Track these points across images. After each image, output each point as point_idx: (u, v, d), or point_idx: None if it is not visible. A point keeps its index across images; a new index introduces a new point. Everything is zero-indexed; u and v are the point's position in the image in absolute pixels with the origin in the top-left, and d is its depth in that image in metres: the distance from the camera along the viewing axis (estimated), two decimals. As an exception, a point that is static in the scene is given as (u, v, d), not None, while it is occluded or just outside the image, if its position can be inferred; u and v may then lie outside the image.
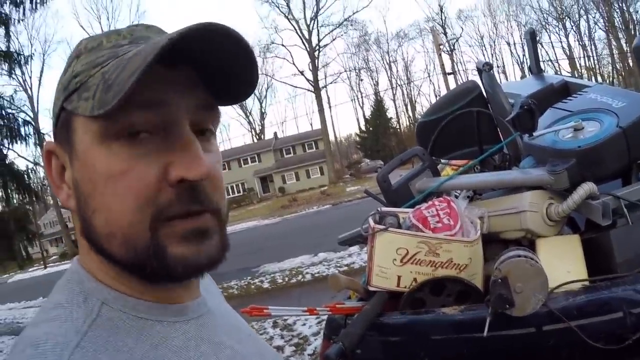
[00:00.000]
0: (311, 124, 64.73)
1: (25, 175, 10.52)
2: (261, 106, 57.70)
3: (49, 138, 0.55)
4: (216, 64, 0.51)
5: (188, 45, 0.46)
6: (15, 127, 10.35)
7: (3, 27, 9.84)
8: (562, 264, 1.27)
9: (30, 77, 37.23)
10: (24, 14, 10.24)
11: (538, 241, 1.40)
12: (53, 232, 46.34)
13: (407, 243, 1.37)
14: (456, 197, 1.89)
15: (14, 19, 10.21)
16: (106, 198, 0.49)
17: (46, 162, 0.55)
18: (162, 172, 0.48)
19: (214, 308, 0.64)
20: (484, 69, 1.96)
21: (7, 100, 9.98)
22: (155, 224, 0.48)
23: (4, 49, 10.12)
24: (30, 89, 37.58)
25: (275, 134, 53.33)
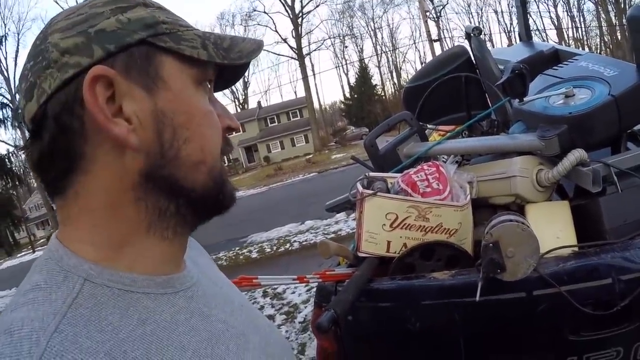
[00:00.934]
0: (295, 92, 64.36)
1: (7, 160, 10.30)
2: (244, 75, 56.92)
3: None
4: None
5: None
6: None
7: None
8: (551, 229, 1.28)
9: (6, 58, 36.22)
10: None
11: (527, 206, 1.41)
12: (39, 215, 45.62)
13: (397, 208, 1.36)
14: (444, 162, 1.88)
15: None
16: (204, 129, 0.55)
17: (90, 91, 0.48)
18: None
19: (203, 279, 0.63)
20: (474, 34, 1.93)
21: None
22: (222, 159, 0.59)
23: None
24: (7, 70, 36.46)
25: (259, 102, 52.78)
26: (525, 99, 1.50)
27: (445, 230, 1.36)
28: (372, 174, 1.69)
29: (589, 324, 1.11)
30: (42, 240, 37.88)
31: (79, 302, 0.46)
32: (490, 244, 1.11)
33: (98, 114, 0.48)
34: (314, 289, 1.57)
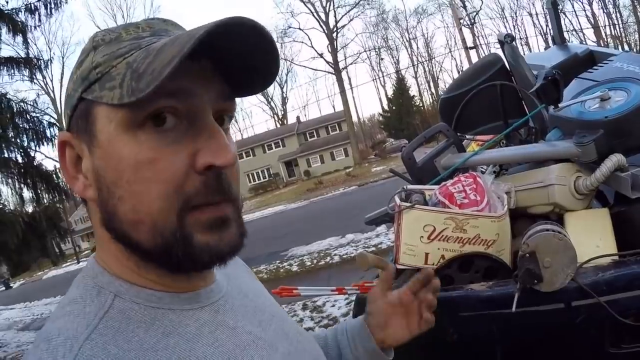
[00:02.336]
0: (333, 106, 64.50)
1: (54, 175, 10.81)
2: (282, 91, 57.73)
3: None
4: (236, 57, 0.52)
5: (213, 38, 0.47)
6: (41, 129, 10.62)
7: (20, 35, 10.06)
8: (591, 238, 1.25)
9: (52, 80, 38.29)
10: (39, 20, 10.44)
11: (566, 215, 1.38)
12: (84, 227, 47.42)
13: (434, 220, 1.36)
14: (482, 172, 1.87)
15: (30, 26, 10.43)
16: (134, 186, 0.50)
17: (60, 153, 0.55)
18: (190, 160, 0.50)
19: (233, 291, 0.65)
20: (506, 41, 1.91)
21: (30, 104, 10.26)
22: (182, 212, 0.50)
23: (23, 55, 10.38)
24: (52, 91, 38.62)
25: (297, 118, 53.34)
26: (560, 104, 1.48)
27: (483, 241, 1.35)
28: (410, 186, 1.70)
29: (630, 336, 1.08)
30: (86, 252, 39.35)
31: (110, 315, 0.51)
32: (527, 254, 1.10)
33: (64, 173, 0.55)
34: (353, 302, 1.58)
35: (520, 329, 1.18)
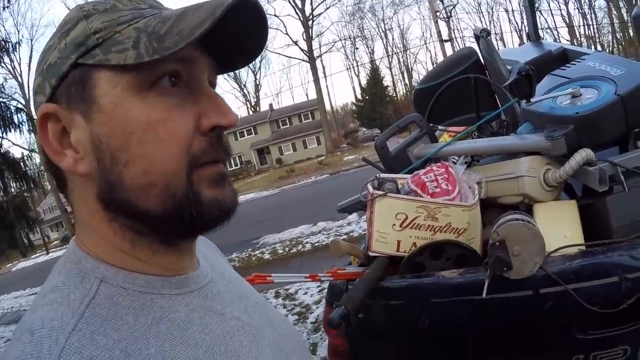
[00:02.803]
0: (307, 94, 64.35)
1: (21, 163, 10.47)
2: (255, 78, 57.28)
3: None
4: (229, 35, 0.53)
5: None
6: (8, 115, 10.25)
7: None
8: (559, 228, 1.29)
9: (20, 64, 36.74)
10: (8, 1, 9.97)
11: (535, 206, 1.42)
12: (53, 217, 46.15)
13: (406, 208, 1.39)
14: (454, 163, 1.90)
15: None
16: (146, 147, 0.49)
17: (41, 128, 0.51)
18: (195, 123, 0.51)
19: (217, 278, 0.64)
20: (482, 35, 1.94)
21: None
22: (190, 170, 0.51)
23: None
24: (20, 75, 37.12)
25: (270, 105, 52.82)
26: (532, 99, 1.51)
27: (454, 229, 1.38)
28: (382, 175, 1.72)
29: (596, 323, 1.12)
30: (55, 242, 38.39)
31: (96, 302, 0.48)
32: (497, 243, 1.13)
33: (48, 149, 0.50)
34: (326, 290, 1.60)
35: (490, 315, 1.21)
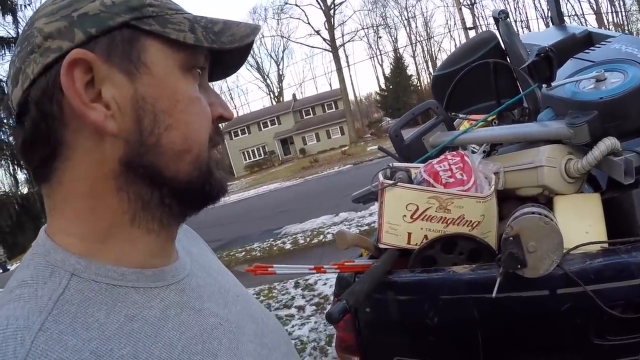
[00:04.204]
0: (330, 84, 64.29)
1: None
2: (278, 68, 57.30)
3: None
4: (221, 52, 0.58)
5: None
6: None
7: (10, 14, 9.73)
8: (581, 223, 1.21)
9: None
10: None
11: (556, 199, 1.35)
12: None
13: (417, 198, 1.32)
14: (473, 152, 1.82)
15: (20, 5, 10.06)
16: (190, 116, 0.52)
17: (67, 74, 0.46)
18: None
19: (197, 270, 0.62)
20: (500, 17, 1.85)
21: None
22: (210, 148, 0.56)
23: (13, 35, 10.03)
24: None
25: (294, 95, 52.90)
26: (553, 83, 1.42)
27: (467, 222, 1.31)
28: (396, 164, 1.66)
29: (617, 328, 1.05)
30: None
31: (66, 298, 0.46)
32: (511, 237, 1.06)
33: (74, 98, 0.46)
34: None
35: (502, 314, 1.15)
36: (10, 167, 10.28)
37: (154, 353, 0.47)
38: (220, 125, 0.60)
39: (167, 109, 0.51)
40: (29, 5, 10.23)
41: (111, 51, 0.49)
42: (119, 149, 0.49)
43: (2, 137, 9.88)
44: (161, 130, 0.50)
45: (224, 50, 0.54)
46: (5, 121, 9.68)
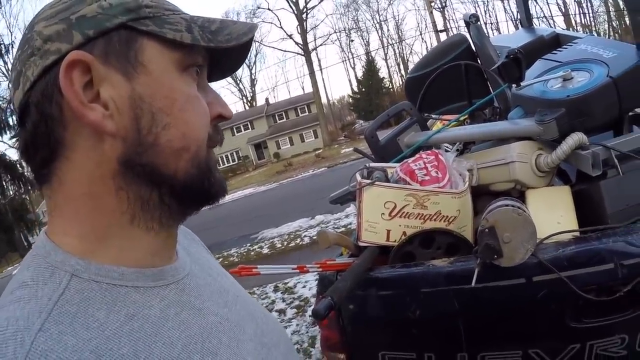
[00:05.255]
0: (303, 88, 64.29)
1: (18, 165, 10.33)
2: (251, 73, 56.95)
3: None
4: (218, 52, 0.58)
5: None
6: (3, 117, 10.07)
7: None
8: (552, 215, 1.26)
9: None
10: None
11: (528, 192, 1.40)
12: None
13: (395, 196, 1.36)
14: (447, 151, 1.87)
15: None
16: (187, 114, 0.53)
17: (65, 75, 0.47)
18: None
19: (196, 270, 0.62)
20: (471, 21, 1.91)
21: None
22: (209, 147, 0.56)
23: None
24: None
25: (266, 99, 52.68)
26: (522, 83, 1.48)
27: (444, 217, 1.35)
28: (372, 164, 1.69)
29: (592, 311, 1.09)
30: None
31: (66, 298, 0.46)
32: (486, 229, 1.11)
33: (73, 99, 0.47)
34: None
35: (482, 304, 1.19)
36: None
37: (154, 352, 0.47)
38: (218, 125, 0.59)
39: (165, 107, 0.51)
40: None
41: (109, 52, 0.49)
42: (117, 149, 0.50)
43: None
44: (159, 129, 0.51)
45: (220, 49, 0.55)
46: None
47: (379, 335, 1.40)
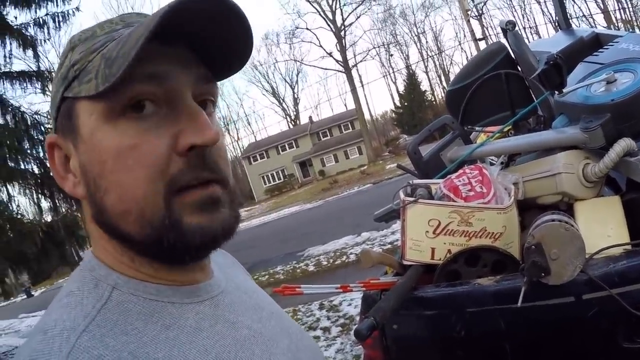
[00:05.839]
0: (345, 105, 64.49)
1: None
2: (294, 92, 57.70)
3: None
4: (210, 38, 0.52)
5: (184, 20, 0.47)
6: None
7: (31, 49, 10.05)
8: (602, 227, 1.20)
9: None
10: (48, 33, 10.42)
11: (576, 204, 1.34)
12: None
13: (438, 214, 1.33)
14: (492, 164, 1.83)
15: (40, 39, 10.40)
16: (117, 175, 0.49)
17: (49, 155, 0.55)
18: (172, 143, 0.49)
19: (231, 288, 0.64)
20: (508, 28, 1.86)
21: (44, 116, 10.10)
22: (168, 195, 0.49)
23: (34, 68, 10.38)
24: None
25: (310, 118, 53.16)
26: (565, 90, 1.43)
27: (489, 234, 1.31)
28: (415, 181, 1.67)
29: None
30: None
31: (108, 307, 0.50)
32: (533, 246, 1.06)
33: (54, 174, 0.55)
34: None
35: (529, 324, 1.14)
36: (34, 196, 10.51)
37: (188, 357, 0.49)
38: (205, 152, 0.50)
39: (100, 173, 0.50)
40: (48, 40, 10.58)
41: (63, 127, 0.54)
42: (90, 209, 0.54)
43: (26, 167, 10.17)
44: (101, 194, 0.51)
45: (116, 82, 0.46)
46: (29, 151, 9.94)
47: (423, 355, 1.36)
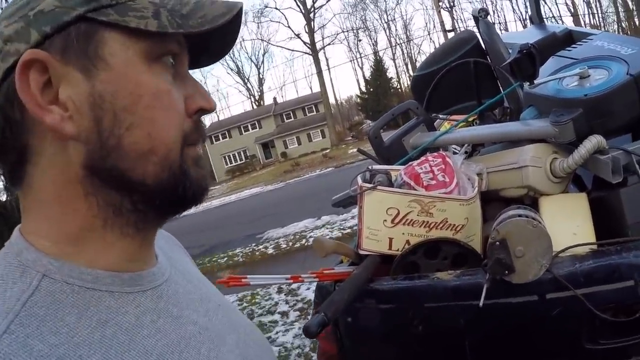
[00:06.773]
0: (311, 87, 64.33)
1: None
2: (259, 72, 57.12)
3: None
4: (204, 40, 0.54)
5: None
6: None
7: None
8: (568, 225, 1.16)
9: None
10: None
11: (541, 199, 1.30)
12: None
13: (398, 202, 1.27)
14: (455, 153, 1.78)
15: None
16: (153, 111, 0.48)
17: (21, 76, 0.45)
18: (184, 103, 0.52)
19: (176, 277, 0.60)
20: (480, 16, 1.82)
21: None
22: (183, 146, 0.51)
23: None
24: None
25: (274, 99, 52.85)
26: (536, 81, 1.38)
27: (450, 226, 1.26)
28: (375, 166, 1.60)
29: (609, 331, 1.00)
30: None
31: (35, 300, 0.44)
32: (497, 242, 1.01)
33: (29, 102, 0.45)
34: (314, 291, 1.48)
35: (490, 322, 1.10)
36: (-16, 176, 10.08)
37: None
38: (201, 119, 0.55)
39: (129, 106, 0.47)
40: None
41: (67, 48, 0.46)
42: (81, 153, 0.47)
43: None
44: (122, 131, 0.47)
45: (192, 34, 0.50)
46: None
47: (377, 350, 1.31)
